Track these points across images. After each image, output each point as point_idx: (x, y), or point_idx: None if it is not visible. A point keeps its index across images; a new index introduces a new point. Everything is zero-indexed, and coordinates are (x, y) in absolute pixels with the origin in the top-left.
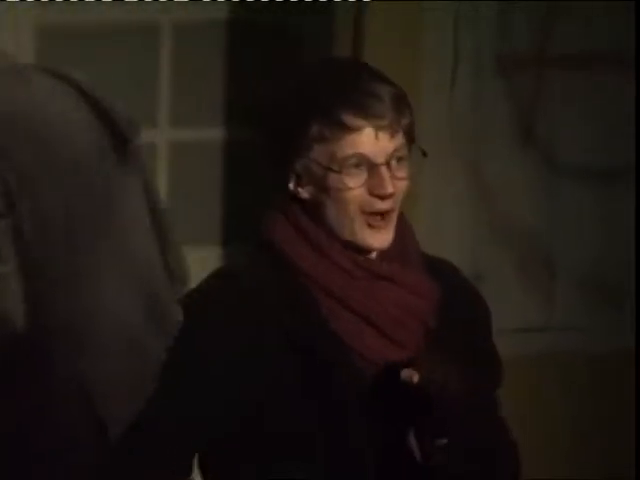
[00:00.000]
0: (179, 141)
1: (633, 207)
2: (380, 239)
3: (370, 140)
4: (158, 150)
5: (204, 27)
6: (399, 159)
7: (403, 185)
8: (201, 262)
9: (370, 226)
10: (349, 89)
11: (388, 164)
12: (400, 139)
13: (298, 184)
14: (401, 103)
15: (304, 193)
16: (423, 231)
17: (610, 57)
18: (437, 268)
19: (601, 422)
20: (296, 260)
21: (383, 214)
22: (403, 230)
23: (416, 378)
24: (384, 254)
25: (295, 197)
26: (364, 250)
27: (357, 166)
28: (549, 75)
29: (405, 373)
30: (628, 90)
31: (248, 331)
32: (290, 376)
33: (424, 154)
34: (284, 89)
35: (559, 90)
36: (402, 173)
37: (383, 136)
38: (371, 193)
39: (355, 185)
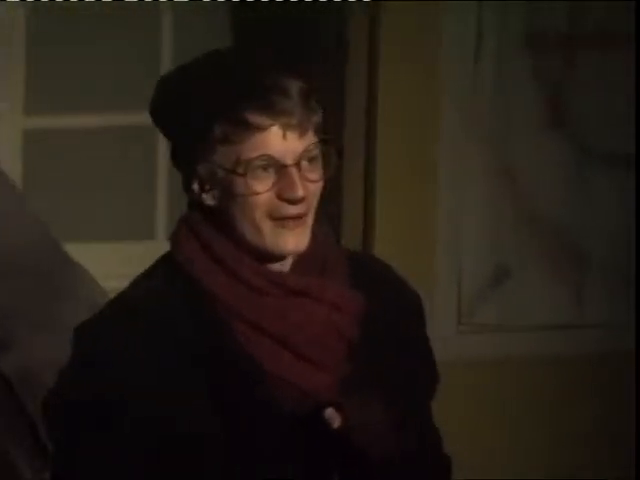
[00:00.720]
0: None
1: None
2: (294, 242)
3: (277, 140)
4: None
5: (206, 8)
6: (310, 159)
7: (316, 188)
8: None
9: (282, 231)
10: (252, 85)
11: (298, 165)
12: (311, 138)
13: (202, 189)
14: (310, 99)
15: (209, 199)
16: (443, 222)
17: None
18: (361, 267)
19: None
20: (204, 281)
21: (296, 217)
22: (320, 237)
23: (337, 422)
24: (299, 266)
25: (200, 204)
26: (277, 257)
27: (264, 168)
28: (580, 55)
29: (328, 414)
30: None
31: (160, 372)
32: (211, 411)
33: (340, 155)
34: (179, 86)
35: (590, 70)
36: (314, 175)
37: (291, 135)
38: (280, 197)
39: (262, 189)
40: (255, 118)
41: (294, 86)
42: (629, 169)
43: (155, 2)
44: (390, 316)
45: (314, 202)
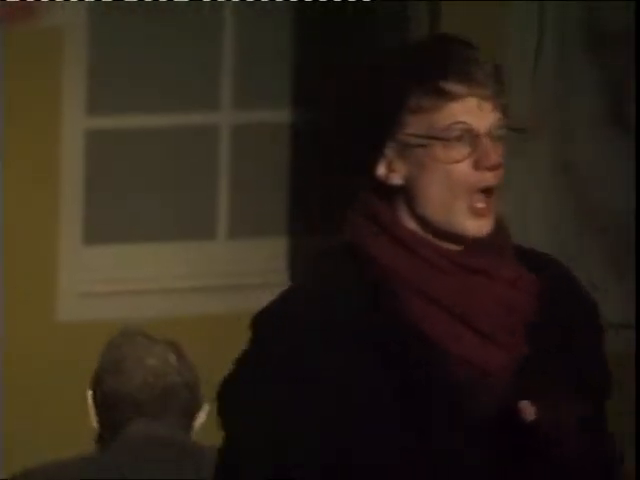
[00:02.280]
0: (243, 124)
1: None
2: (480, 226)
3: (473, 109)
4: (220, 133)
5: (269, 5)
6: (498, 138)
7: (502, 168)
8: (266, 253)
9: (471, 211)
10: (448, 56)
11: (490, 136)
12: (499, 114)
13: (389, 169)
14: (501, 77)
15: (396, 178)
16: (505, 220)
17: None
18: (537, 261)
19: None
20: (382, 260)
21: (488, 194)
22: (495, 220)
23: (531, 416)
24: (475, 246)
25: (383, 185)
26: (459, 240)
27: (459, 138)
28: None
29: (523, 406)
30: None
31: (338, 352)
32: (385, 393)
33: (523, 130)
34: (368, 66)
35: None
36: (500, 153)
37: (486, 107)
38: (477, 166)
39: (461, 157)
40: (452, 87)
41: (487, 62)
42: None
43: (217, 2)
44: (565, 309)
45: (500, 182)
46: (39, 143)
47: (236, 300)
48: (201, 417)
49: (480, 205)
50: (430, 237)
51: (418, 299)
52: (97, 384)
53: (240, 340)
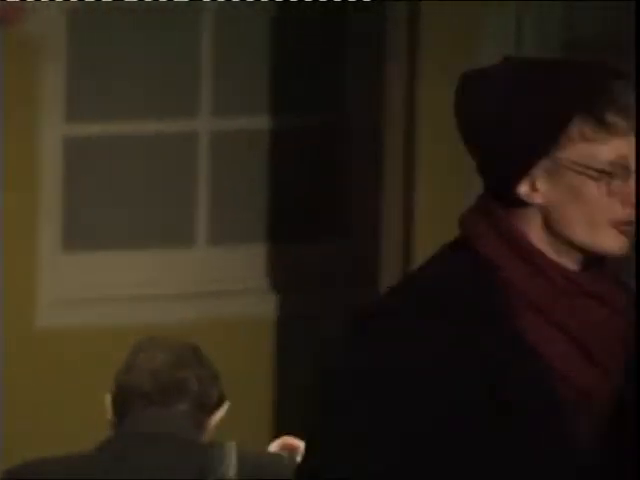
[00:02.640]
0: (221, 130)
1: None
2: (622, 244)
3: (631, 146)
4: (199, 140)
5: (249, 10)
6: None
7: None
8: (245, 260)
9: (616, 232)
10: (612, 89)
11: (634, 172)
12: None
13: (532, 188)
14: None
15: (538, 198)
16: None
17: None
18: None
19: None
20: (504, 272)
21: (629, 223)
22: None
23: None
24: (595, 269)
25: (519, 201)
26: (595, 256)
27: (615, 174)
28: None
29: None
30: None
31: (448, 363)
32: (490, 407)
33: None
34: (531, 83)
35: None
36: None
37: (634, 141)
38: (624, 202)
39: (613, 192)
40: (617, 121)
41: (632, 92)
42: None
43: (196, 8)
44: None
45: None
46: (17, 150)
47: (215, 306)
48: (219, 414)
49: (626, 229)
50: (555, 254)
51: (534, 316)
52: (114, 386)
53: (217, 346)
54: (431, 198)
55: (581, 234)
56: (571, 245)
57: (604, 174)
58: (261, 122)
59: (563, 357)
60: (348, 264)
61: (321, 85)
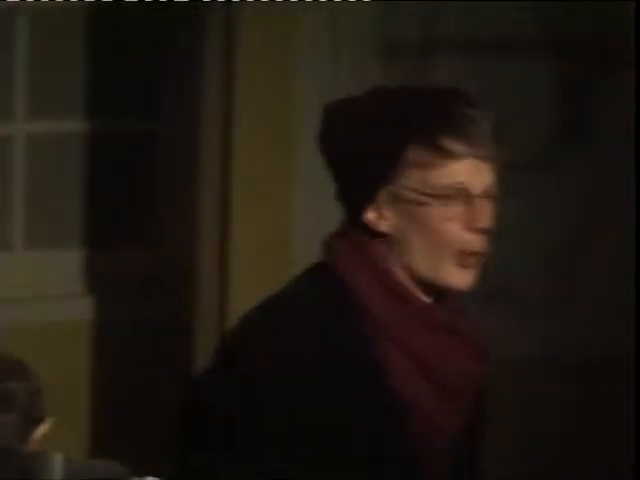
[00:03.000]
0: (37, 134)
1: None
2: (465, 280)
3: (471, 170)
4: (15, 143)
5: (63, 12)
6: (489, 198)
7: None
8: (60, 266)
9: (458, 265)
10: (449, 113)
11: (485, 198)
12: (493, 176)
13: (379, 215)
14: (498, 135)
15: (384, 226)
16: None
17: (501, 45)
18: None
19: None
20: (366, 301)
21: (475, 255)
22: None
23: None
24: (440, 302)
25: (366, 229)
26: (440, 291)
27: (453, 197)
28: (436, 62)
29: None
30: (521, 82)
31: (307, 391)
32: (333, 433)
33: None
34: (367, 112)
35: (445, 79)
36: (491, 215)
37: (483, 167)
38: (468, 227)
39: (453, 216)
40: (453, 146)
41: (486, 120)
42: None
43: (10, 12)
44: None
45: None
46: None
47: (31, 311)
48: (42, 428)
49: (467, 262)
50: (411, 289)
51: (394, 350)
52: None
53: (35, 352)
54: (248, 201)
55: (424, 266)
56: (416, 279)
57: (437, 199)
58: (77, 125)
59: (419, 391)
60: (162, 270)
61: (136, 88)
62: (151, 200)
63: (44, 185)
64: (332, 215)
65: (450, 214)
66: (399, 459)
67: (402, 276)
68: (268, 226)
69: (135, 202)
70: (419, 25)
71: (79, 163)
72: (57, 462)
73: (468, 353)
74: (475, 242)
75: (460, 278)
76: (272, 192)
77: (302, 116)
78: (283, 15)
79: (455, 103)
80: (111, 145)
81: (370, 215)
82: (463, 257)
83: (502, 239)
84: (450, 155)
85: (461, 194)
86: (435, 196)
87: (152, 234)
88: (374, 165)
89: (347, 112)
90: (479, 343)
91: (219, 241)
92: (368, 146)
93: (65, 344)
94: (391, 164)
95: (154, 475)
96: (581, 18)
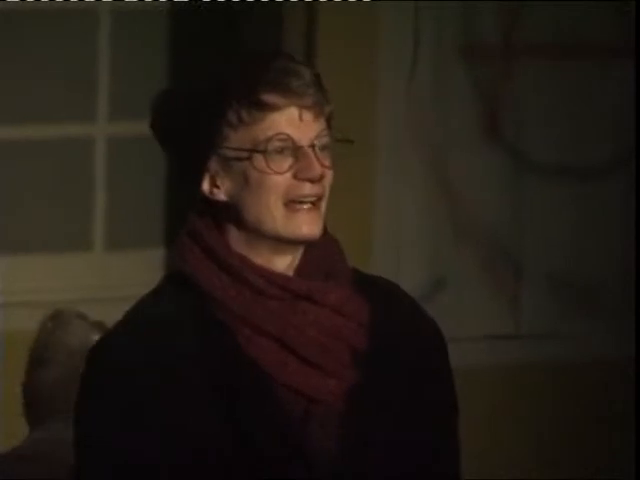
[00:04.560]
0: (119, 135)
1: (609, 206)
2: (307, 227)
3: (294, 120)
4: (96, 145)
5: (144, 15)
6: (322, 147)
7: (329, 175)
8: (143, 266)
9: (296, 212)
10: (266, 68)
11: (313, 147)
12: (323, 124)
13: (214, 185)
14: (322, 86)
15: (220, 194)
16: (379, 230)
17: (582, 49)
18: (369, 283)
19: (574, 432)
20: (206, 286)
21: (312, 204)
22: (327, 243)
23: None
24: (304, 270)
25: (209, 204)
26: (291, 245)
27: (280, 151)
28: (517, 66)
29: None
30: (601, 85)
31: (170, 389)
32: (214, 426)
33: (350, 141)
34: (185, 84)
35: (528, 82)
36: (327, 162)
37: (307, 116)
38: (298, 177)
39: (280, 169)
40: (270, 98)
41: (306, 70)
42: (567, 179)
43: (93, 14)
44: (404, 336)
45: (327, 189)
46: None
47: (115, 312)
48: None
49: (303, 207)
50: (255, 258)
51: (244, 327)
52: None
53: None
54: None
55: (263, 223)
56: (263, 240)
57: (265, 153)
58: None
59: (281, 366)
60: None
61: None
62: None
63: (125, 185)
64: (404, 227)
65: (279, 167)
66: (274, 435)
67: (245, 250)
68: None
69: None
70: (500, 28)
71: (160, 163)
72: None
73: (329, 319)
74: (308, 189)
75: (300, 225)
76: (349, 200)
77: (381, 126)
78: (365, 15)
79: (271, 60)
80: None
81: (205, 186)
82: (296, 206)
83: None
84: (270, 107)
85: (287, 146)
86: (262, 151)
87: None
88: (200, 131)
89: (169, 93)
90: (348, 307)
91: None
92: (191, 113)
93: None
94: (214, 127)
95: None
96: None
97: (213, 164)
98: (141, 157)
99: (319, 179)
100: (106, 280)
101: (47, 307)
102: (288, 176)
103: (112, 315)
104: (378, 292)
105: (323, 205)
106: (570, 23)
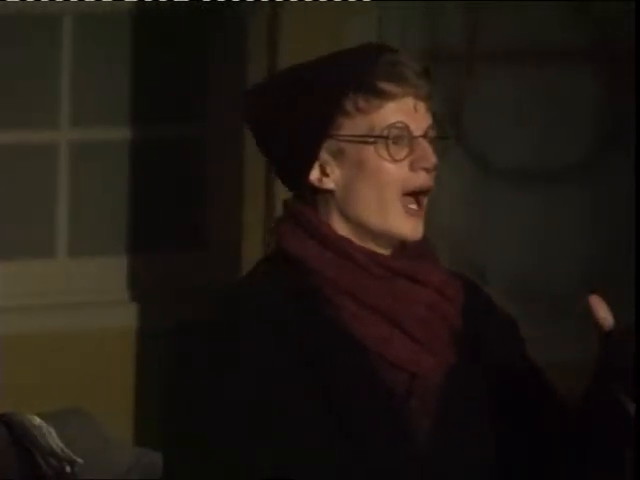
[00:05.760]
0: (81, 141)
1: (574, 211)
2: (415, 229)
3: (410, 110)
4: (59, 151)
5: (108, 19)
6: (431, 140)
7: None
8: (107, 273)
9: (406, 213)
10: (381, 60)
11: (426, 137)
12: (430, 118)
13: (323, 173)
14: (431, 80)
15: (329, 183)
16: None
17: (545, 52)
18: (458, 277)
19: None
20: (312, 264)
21: (422, 195)
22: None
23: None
24: (404, 251)
25: (313, 191)
26: (392, 242)
27: (397, 139)
28: (479, 71)
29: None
30: (566, 88)
31: (270, 356)
32: (316, 401)
33: (448, 138)
34: (298, 71)
35: (490, 87)
36: (434, 154)
37: (421, 107)
38: (413, 167)
39: (399, 157)
40: (389, 86)
41: (417, 63)
42: (530, 184)
43: (54, 17)
44: (493, 323)
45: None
46: None
47: (75, 318)
48: None
49: (413, 207)
50: (357, 241)
51: (350, 303)
52: None
53: (80, 357)
54: None
55: (372, 216)
56: (368, 231)
57: (381, 139)
58: (121, 133)
59: (386, 341)
60: (206, 276)
61: (181, 95)
62: (193, 207)
63: (88, 192)
64: None
65: (396, 155)
66: (375, 410)
67: (346, 230)
68: None
69: (177, 209)
70: (464, 31)
71: (122, 170)
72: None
73: (435, 298)
74: (423, 180)
75: (408, 226)
76: None
77: None
78: (329, 17)
79: (382, 51)
80: (153, 152)
81: (314, 174)
82: (410, 201)
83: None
84: (387, 96)
85: (404, 134)
86: (379, 137)
87: (195, 241)
88: (313, 120)
89: (272, 85)
90: (448, 289)
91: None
92: (305, 104)
93: (108, 350)
94: (330, 115)
95: None
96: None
97: (325, 151)
98: (104, 163)
99: (434, 169)
100: (69, 286)
101: (10, 313)
102: (404, 166)
103: (75, 320)
104: (463, 281)
105: (425, 203)
106: (533, 26)
